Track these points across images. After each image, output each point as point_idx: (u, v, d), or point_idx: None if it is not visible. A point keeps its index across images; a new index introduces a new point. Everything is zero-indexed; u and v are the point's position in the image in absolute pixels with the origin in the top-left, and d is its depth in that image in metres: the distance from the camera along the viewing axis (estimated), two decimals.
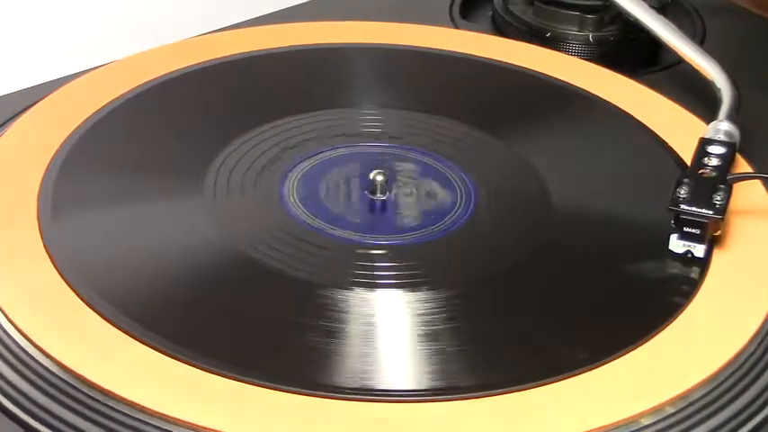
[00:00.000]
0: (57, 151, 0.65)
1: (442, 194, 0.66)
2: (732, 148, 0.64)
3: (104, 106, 0.70)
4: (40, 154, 0.65)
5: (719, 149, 0.64)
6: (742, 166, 0.67)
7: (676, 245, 0.61)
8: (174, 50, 0.76)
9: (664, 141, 0.70)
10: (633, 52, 0.82)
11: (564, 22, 0.82)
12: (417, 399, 0.52)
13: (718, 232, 0.61)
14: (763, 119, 0.74)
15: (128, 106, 0.70)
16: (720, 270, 0.60)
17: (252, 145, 0.68)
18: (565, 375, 0.53)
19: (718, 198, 0.60)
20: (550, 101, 0.75)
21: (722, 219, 0.60)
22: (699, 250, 0.60)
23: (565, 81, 0.76)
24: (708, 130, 0.67)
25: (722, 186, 0.61)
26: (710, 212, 0.60)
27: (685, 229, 0.60)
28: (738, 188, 0.63)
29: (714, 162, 0.63)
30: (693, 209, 0.60)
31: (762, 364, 0.55)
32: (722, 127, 0.67)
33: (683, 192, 0.60)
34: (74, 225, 0.61)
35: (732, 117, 0.68)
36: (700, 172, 0.62)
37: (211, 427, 0.50)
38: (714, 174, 0.62)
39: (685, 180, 0.61)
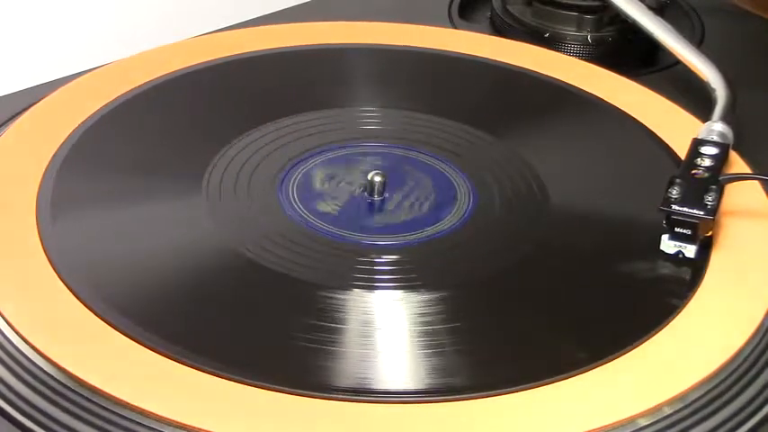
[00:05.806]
0: (56, 152, 0.66)
1: (441, 195, 0.66)
2: (725, 149, 0.64)
3: (104, 107, 0.70)
4: (39, 154, 0.65)
5: (712, 150, 0.64)
6: (740, 167, 0.67)
7: (667, 245, 0.61)
8: (173, 50, 0.76)
9: (662, 141, 0.70)
10: (631, 52, 0.82)
11: (562, 22, 0.82)
12: (416, 399, 0.52)
13: (710, 233, 0.61)
14: (762, 119, 0.74)
15: (127, 107, 0.70)
16: (718, 271, 0.60)
17: (251, 145, 0.68)
18: (563, 376, 0.53)
19: (710, 199, 0.60)
20: (549, 101, 0.75)
21: (713, 219, 0.60)
22: (690, 251, 0.60)
23: (563, 81, 0.76)
24: (701, 131, 0.67)
25: (714, 187, 0.61)
26: (701, 213, 0.60)
27: (677, 230, 0.60)
28: (736, 189, 0.63)
29: (707, 163, 0.63)
30: (684, 209, 0.60)
31: (759, 365, 0.56)
32: (716, 128, 0.67)
33: (674, 192, 0.60)
34: (72, 226, 0.61)
35: (726, 118, 0.68)
36: (692, 173, 0.62)
37: (207, 428, 0.50)
38: (706, 174, 0.62)
39: (677, 180, 0.61)
